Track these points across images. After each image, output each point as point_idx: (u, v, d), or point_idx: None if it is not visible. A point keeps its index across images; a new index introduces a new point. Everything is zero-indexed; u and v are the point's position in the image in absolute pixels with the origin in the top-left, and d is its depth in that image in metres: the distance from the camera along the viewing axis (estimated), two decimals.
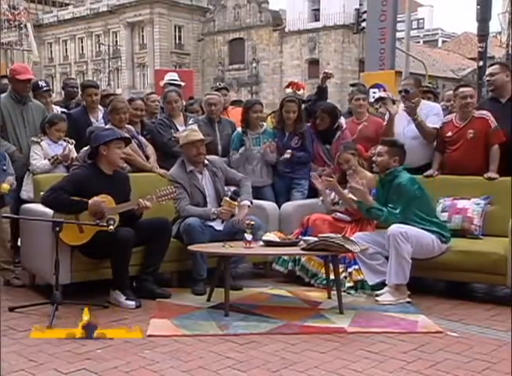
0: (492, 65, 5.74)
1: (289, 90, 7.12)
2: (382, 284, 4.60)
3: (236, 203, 4.88)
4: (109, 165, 4.55)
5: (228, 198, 4.88)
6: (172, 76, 8.25)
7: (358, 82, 9.37)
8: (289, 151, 5.68)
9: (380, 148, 4.77)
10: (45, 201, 4.38)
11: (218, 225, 4.92)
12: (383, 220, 4.65)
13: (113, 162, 4.55)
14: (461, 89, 5.37)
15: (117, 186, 4.55)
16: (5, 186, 4.80)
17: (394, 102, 6.80)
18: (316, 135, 5.90)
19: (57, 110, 6.14)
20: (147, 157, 5.60)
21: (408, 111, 5.40)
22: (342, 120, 6.02)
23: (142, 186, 4.85)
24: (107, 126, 5.50)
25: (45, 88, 6.13)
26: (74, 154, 5.35)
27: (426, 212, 4.63)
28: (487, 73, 5.61)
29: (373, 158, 4.83)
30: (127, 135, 5.06)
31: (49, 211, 4.46)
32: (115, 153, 4.52)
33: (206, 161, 5.12)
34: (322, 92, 6.54)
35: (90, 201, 4.31)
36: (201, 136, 5.06)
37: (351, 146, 5.29)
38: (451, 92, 6.66)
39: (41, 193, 4.74)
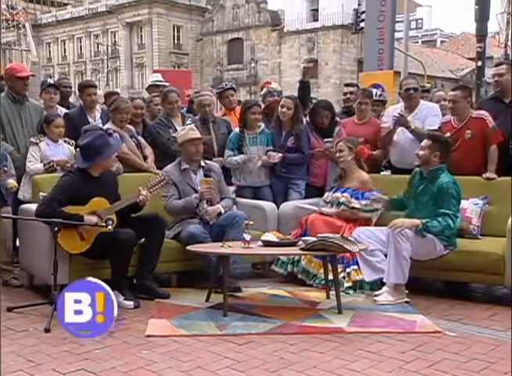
0: (497, 65, 5.69)
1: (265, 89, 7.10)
2: (381, 284, 4.60)
3: (211, 179, 5.06)
4: (99, 169, 4.53)
5: (203, 178, 5.06)
6: (156, 77, 8.39)
7: (352, 82, 9.38)
8: (280, 155, 5.65)
9: (424, 142, 4.71)
10: (40, 215, 4.24)
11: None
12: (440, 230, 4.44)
13: (105, 167, 4.57)
14: (451, 93, 5.38)
15: (106, 186, 4.53)
16: (13, 182, 4.86)
17: (385, 102, 6.80)
18: (316, 131, 5.90)
19: (61, 110, 6.13)
20: (145, 158, 5.61)
21: (398, 124, 5.38)
22: None
23: (138, 186, 4.83)
24: (106, 125, 5.50)
25: (50, 83, 6.13)
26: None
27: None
28: (493, 73, 5.54)
29: (415, 152, 4.73)
30: (127, 137, 5.07)
31: None
32: (108, 162, 4.57)
33: (202, 163, 5.18)
34: (304, 86, 6.53)
35: (85, 217, 4.27)
36: (199, 135, 5.15)
37: (353, 141, 5.26)
38: (441, 93, 6.68)
39: (40, 194, 4.75)
